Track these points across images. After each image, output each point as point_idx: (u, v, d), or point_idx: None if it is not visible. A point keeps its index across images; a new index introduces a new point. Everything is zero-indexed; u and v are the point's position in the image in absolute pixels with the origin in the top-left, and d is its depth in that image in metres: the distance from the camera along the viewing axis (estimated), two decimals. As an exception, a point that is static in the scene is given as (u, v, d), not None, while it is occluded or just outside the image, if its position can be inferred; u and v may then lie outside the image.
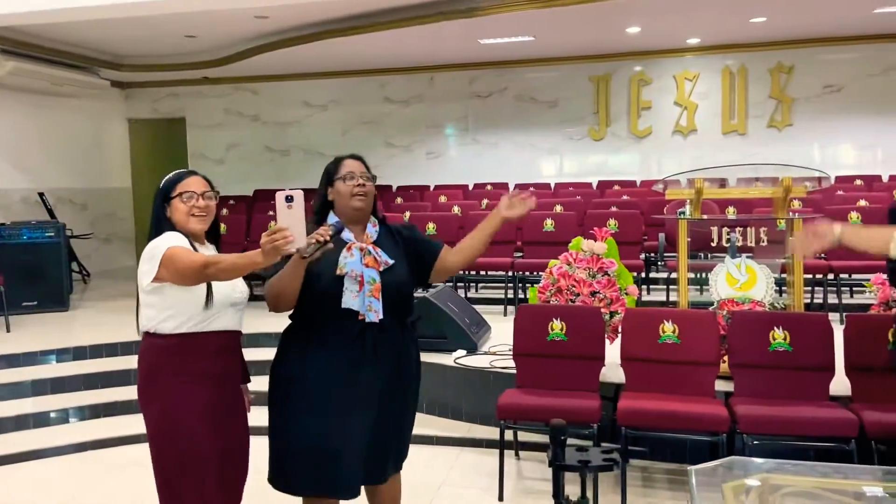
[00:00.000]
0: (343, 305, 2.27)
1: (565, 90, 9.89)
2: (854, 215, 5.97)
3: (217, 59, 9.29)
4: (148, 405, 2.22)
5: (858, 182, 8.30)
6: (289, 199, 1.92)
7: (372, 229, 2.44)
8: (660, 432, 3.51)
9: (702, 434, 3.42)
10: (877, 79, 8.81)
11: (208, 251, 2.32)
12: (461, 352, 4.77)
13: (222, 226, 2.65)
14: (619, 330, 3.93)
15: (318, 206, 2.44)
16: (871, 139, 8.92)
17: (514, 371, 3.92)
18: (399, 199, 8.96)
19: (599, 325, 3.91)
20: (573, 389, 3.70)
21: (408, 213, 7.51)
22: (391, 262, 2.36)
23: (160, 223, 2.23)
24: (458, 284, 6.91)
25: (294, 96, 10.79)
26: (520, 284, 6.54)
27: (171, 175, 2.30)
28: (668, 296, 6.35)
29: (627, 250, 6.26)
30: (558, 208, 7.22)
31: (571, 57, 9.69)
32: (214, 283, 2.17)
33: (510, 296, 6.47)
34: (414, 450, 2.64)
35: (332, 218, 2.38)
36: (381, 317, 2.30)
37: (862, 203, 6.41)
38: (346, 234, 2.35)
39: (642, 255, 6.77)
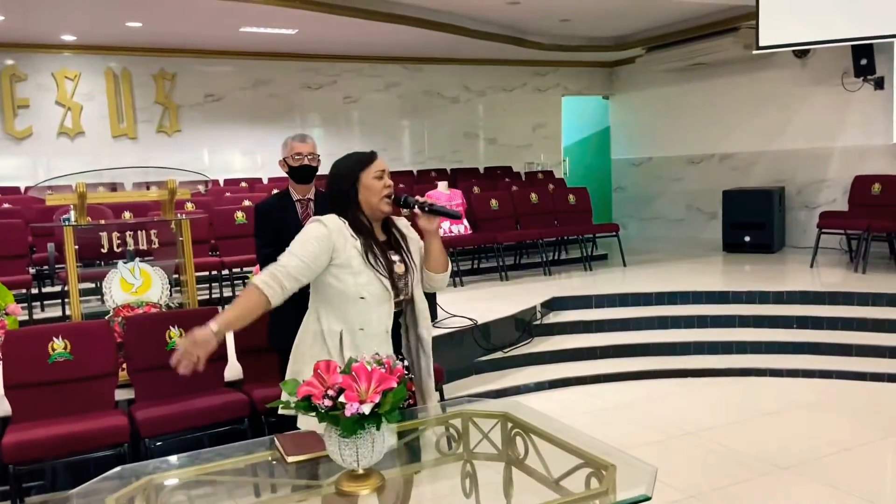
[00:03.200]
0: None
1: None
2: (240, 214, 6.56)
3: None
4: None
5: (244, 184, 9.18)
6: None
7: None
8: (59, 459, 3.23)
9: (106, 449, 3.27)
10: (248, 91, 9.85)
11: None
12: None
13: None
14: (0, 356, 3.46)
15: None
16: (251, 146, 9.93)
17: None
18: None
19: (-29, 357, 3.37)
20: (-58, 439, 3.10)
21: None
22: None
23: None
24: None
25: None
26: None
27: None
28: (64, 310, 5.89)
29: (11, 265, 5.67)
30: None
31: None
32: None
33: None
34: None
35: None
36: None
37: (246, 203, 7.10)
38: None
39: (32, 269, 6.14)
